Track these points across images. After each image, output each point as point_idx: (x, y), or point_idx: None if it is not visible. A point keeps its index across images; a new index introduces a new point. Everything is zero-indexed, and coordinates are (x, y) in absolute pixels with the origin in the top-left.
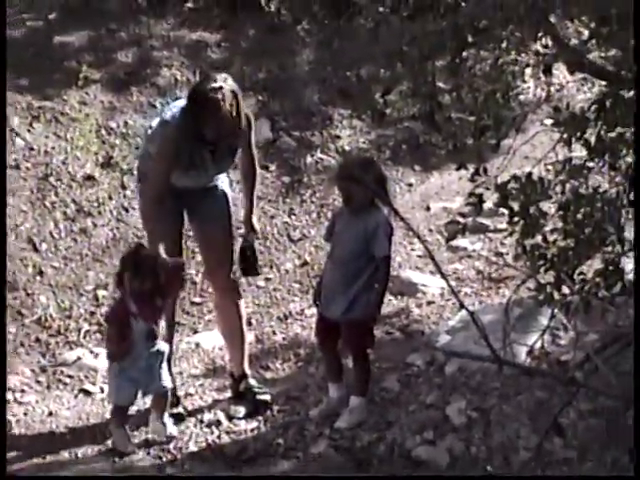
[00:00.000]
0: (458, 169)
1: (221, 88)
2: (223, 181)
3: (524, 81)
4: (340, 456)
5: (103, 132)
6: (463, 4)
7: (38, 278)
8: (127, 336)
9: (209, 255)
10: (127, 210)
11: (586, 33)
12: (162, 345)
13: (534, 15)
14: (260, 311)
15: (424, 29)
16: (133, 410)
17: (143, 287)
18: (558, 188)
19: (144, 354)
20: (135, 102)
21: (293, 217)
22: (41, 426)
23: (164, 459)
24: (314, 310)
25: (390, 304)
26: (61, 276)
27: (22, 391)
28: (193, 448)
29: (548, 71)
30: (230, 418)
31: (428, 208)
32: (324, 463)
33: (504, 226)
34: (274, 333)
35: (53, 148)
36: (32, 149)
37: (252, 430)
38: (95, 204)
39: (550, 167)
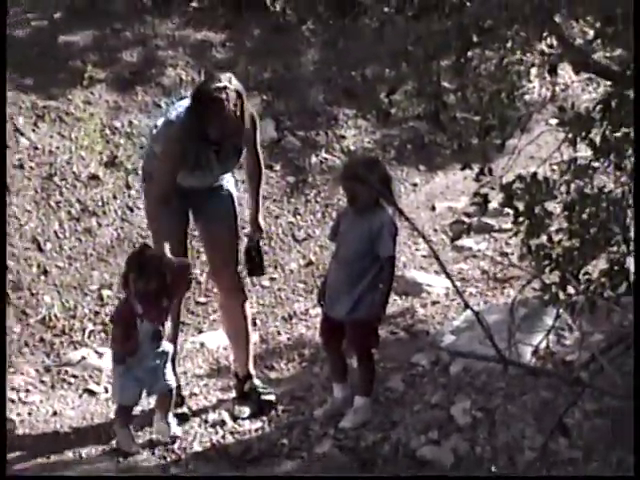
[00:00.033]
0: (463, 169)
1: (225, 88)
2: (228, 181)
3: (529, 81)
4: (345, 456)
5: (108, 132)
6: (468, 4)
7: (42, 278)
8: (132, 337)
9: (214, 255)
10: (132, 210)
11: (591, 33)
12: (167, 345)
13: (539, 15)
14: (265, 311)
15: (429, 29)
16: (137, 410)
17: (148, 288)
18: (563, 188)
19: (150, 355)
20: (140, 102)
21: (298, 217)
22: (45, 426)
23: (168, 459)
24: (319, 310)
25: (395, 304)
26: (66, 276)
27: (26, 391)
28: (197, 448)
29: (553, 71)
30: (234, 418)
31: (433, 208)
32: (328, 463)
33: (509, 226)
34: (279, 333)
35: (58, 148)
36: (37, 148)
37: (256, 430)
38: (100, 204)
39: (555, 167)
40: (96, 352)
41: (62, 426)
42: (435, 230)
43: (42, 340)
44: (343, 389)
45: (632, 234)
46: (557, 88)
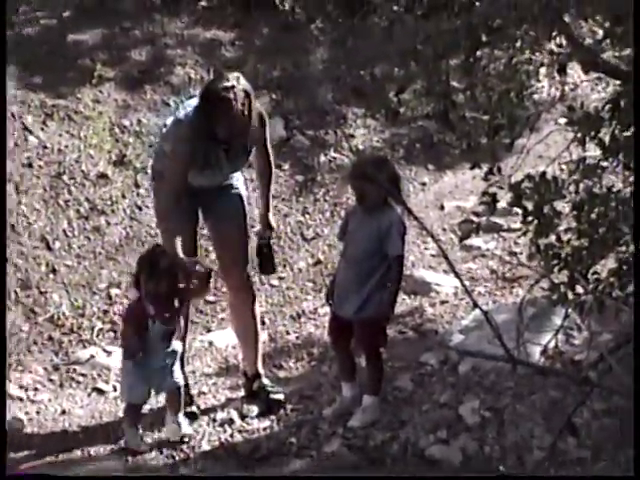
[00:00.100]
0: (472, 168)
1: (233, 87)
2: (238, 179)
3: (538, 80)
4: (353, 455)
5: (117, 130)
6: (477, 3)
7: (51, 276)
8: (143, 336)
9: (223, 254)
10: (140, 208)
11: (600, 32)
12: (176, 345)
13: (548, 14)
14: (273, 310)
15: (438, 28)
16: (146, 409)
17: (159, 289)
18: (572, 187)
19: (159, 354)
20: (149, 100)
21: (307, 216)
22: (54, 424)
23: (177, 458)
24: (327, 309)
25: (403, 303)
26: (74, 274)
27: (35, 389)
28: (206, 447)
29: (562, 70)
30: (243, 417)
31: (442, 207)
32: (337, 462)
33: (518, 225)
34: (287, 332)
35: (66, 146)
36: (45, 147)
37: (265, 429)
38: (108, 202)
39: (564, 166)
40: (105, 351)
41: (71, 425)
42: (444, 229)
43: (51, 339)
44: (352, 388)
45: None
46: (566, 87)
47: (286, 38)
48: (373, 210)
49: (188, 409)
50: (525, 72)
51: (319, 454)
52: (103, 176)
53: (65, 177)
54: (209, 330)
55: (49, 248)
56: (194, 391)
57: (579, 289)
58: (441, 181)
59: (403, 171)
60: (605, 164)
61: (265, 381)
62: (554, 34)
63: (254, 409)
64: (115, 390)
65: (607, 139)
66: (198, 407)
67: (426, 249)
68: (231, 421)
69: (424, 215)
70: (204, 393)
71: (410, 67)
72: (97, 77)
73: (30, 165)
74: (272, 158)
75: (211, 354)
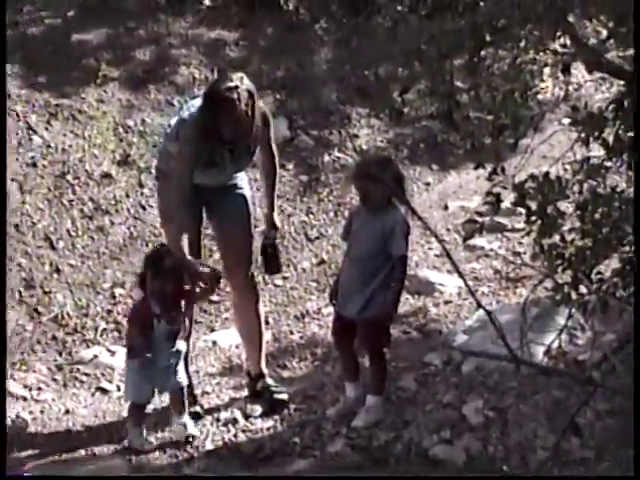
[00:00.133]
0: (476, 168)
1: (237, 87)
2: (242, 179)
3: (542, 80)
4: (357, 455)
5: (121, 130)
6: (481, 3)
7: (55, 276)
8: (148, 336)
9: (227, 253)
10: (144, 208)
11: (604, 32)
12: (181, 344)
13: (552, 14)
14: (277, 310)
15: (442, 28)
16: (150, 408)
17: (164, 289)
18: (576, 187)
19: (164, 354)
20: (153, 100)
21: (310, 216)
22: (57, 424)
23: (180, 457)
24: (331, 309)
25: (407, 303)
26: (78, 274)
27: (39, 389)
28: (209, 446)
29: (566, 70)
30: (247, 417)
31: (446, 207)
32: (341, 462)
33: (522, 225)
34: (291, 332)
35: (70, 146)
36: (49, 147)
37: (269, 429)
38: (112, 202)
39: (568, 166)
40: (108, 350)
41: (74, 424)
42: (448, 229)
43: (54, 338)
44: (355, 388)
45: None
46: (570, 87)
47: (290, 38)
48: (377, 210)
49: (192, 409)
50: (529, 72)
51: (323, 454)
52: (107, 176)
53: (69, 177)
54: (213, 330)
55: (53, 248)
56: (198, 391)
57: (583, 289)
58: (445, 181)
59: (407, 171)
60: (609, 164)
61: (269, 381)
62: (558, 34)
63: (258, 409)
64: (119, 390)
65: (611, 139)
66: (202, 407)
67: (430, 249)
68: (235, 421)
69: (428, 215)
70: (208, 393)
71: (414, 67)
72: (101, 77)
73: (34, 165)
74: (277, 158)
75: (215, 354)
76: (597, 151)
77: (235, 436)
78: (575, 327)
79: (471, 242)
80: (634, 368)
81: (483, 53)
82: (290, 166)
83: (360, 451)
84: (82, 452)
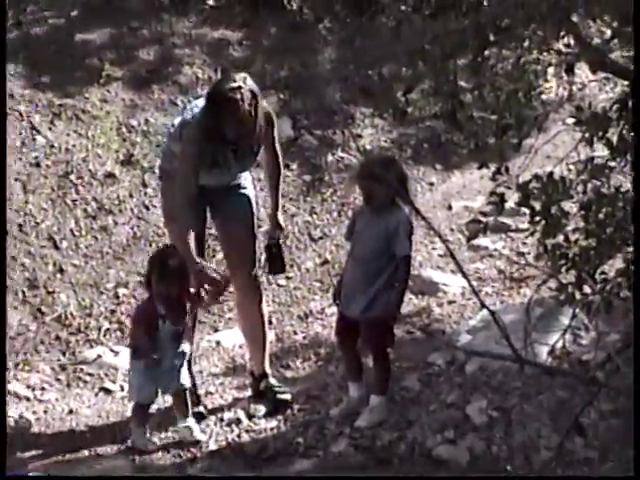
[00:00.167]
0: (480, 168)
1: (240, 88)
2: (246, 179)
3: (546, 80)
4: (360, 455)
5: (124, 130)
6: (485, 3)
7: (58, 276)
8: (153, 336)
9: (231, 253)
10: (148, 208)
11: (608, 32)
12: (186, 346)
13: (556, 14)
14: (281, 310)
15: (446, 28)
16: (154, 409)
17: (169, 290)
18: (580, 188)
19: (169, 355)
20: (156, 100)
21: (314, 216)
22: (61, 424)
23: (184, 458)
24: (334, 309)
25: (411, 303)
26: (81, 274)
27: (42, 389)
28: (213, 447)
29: (570, 70)
30: (250, 417)
31: (449, 207)
32: (344, 462)
33: (525, 225)
34: (294, 332)
35: (74, 146)
36: (53, 147)
37: (272, 429)
38: (116, 202)
39: (572, 166)
40: (112, 350)
41: (78, 424)
42: (451, 229)
43: (58, 338)
44: (359, 388)
45: None
46: (574, 87)
47: (294, 38)
48: (381, 210)
49: (195, 409)
50: (533, 72)
51: (326, 454)
52: (110, 175)
53: (72, 176)
54: (216, 330)
55: (56, 247)
56: (201, 391)
57: (587, 289)
58: (449, 181)
59: (411, 171)
60: (613, 164)
61: (272, 381)
62: (562, 34)
63: (261, 409)
64: (122, 390)
65: (615, 139)
66: (205, 407)
67: (434, 249)
68: (238, 421)
69: (432, 215)
70: (211, 393)
71: (418, 67)
72: (105, 76)
73: (37, 164)
74: (281, 158)
75: (218, 354)
76: (601, 151)
77: (238, 436)
78: (579, 327)
79: (475, 242)
80: (634, 369)
81: (487, 53)
82: (294, 166)
83: (363, 451)
84: (85, 452)
